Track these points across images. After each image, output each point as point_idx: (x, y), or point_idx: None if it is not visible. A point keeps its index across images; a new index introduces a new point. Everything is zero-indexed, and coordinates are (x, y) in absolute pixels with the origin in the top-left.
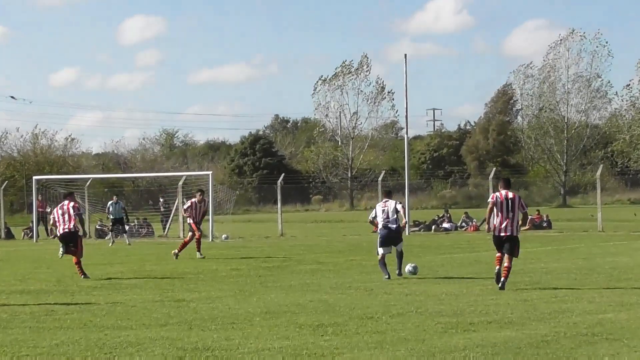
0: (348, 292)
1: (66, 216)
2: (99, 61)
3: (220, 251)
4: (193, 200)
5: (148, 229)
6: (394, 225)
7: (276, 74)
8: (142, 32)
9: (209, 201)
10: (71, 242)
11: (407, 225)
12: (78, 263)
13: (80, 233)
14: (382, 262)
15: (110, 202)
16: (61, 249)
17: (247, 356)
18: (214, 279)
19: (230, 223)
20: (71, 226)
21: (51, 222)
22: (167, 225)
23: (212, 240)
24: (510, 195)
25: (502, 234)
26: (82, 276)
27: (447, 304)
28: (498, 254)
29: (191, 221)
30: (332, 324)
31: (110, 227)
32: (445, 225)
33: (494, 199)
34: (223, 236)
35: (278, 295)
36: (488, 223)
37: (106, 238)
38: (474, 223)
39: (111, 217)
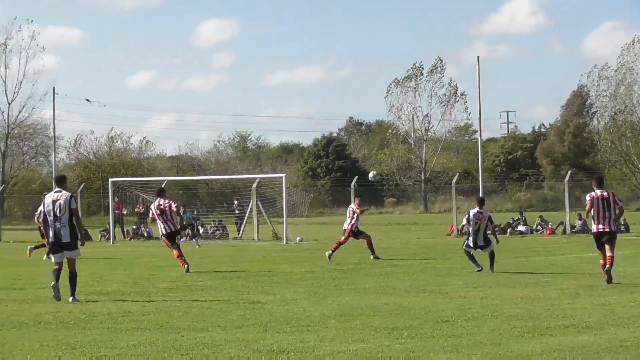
0: (423, 295)
1: (165, 216)
2: (174, 64)
3: (295, 253)
4: None
5: (223, 231)
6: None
7: (350, 76)
8: (217, 35)
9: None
10: (172, 239)
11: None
12: (180, 256)
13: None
14: (471, 254)
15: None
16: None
17: (322, 359)
18: (288, 281)
19: (304, 225)
20: (174, 225)
21: (150, 219)
22: (242, 228)
23: (286, 242)
24: (605, 193)
25: (601, 231)
26: (185, 267)
27: (523, 307)
28: (602, 260)
29: None
30: (407, 327)
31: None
32: (521, 228)
33: (591, 198)
34: (297, 238)
35: (353, 298)
36: (592, 219)
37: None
38: (549, 226)
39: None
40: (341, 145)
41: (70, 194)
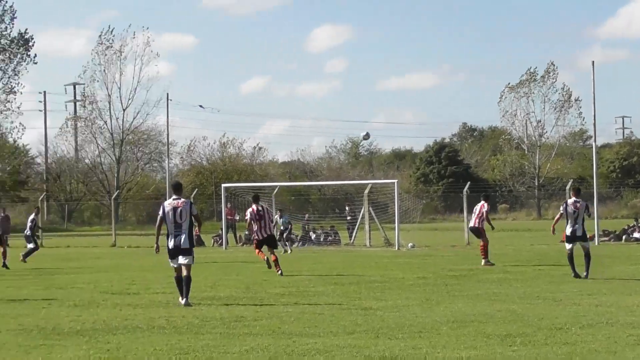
0: (536, 302)
1: (263, 221)
2: (288, 70)
3: (407, 260)
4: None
5: (335, 237)
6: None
7: (463, 82)
8: (330, 41)
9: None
10: (271, 243)
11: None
12: (276, 260)
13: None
14: (570, 258)
15: (276, 216)
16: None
17: None
18: (400, 288)
19: (417, 231)
20: (271, 230)
21: (247, 223)
22: (354, 234)
23: (398, 248)
24: None
25: None
26: (279, 272)
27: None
28: None
29: None
30: (520, 334)
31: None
32: (636, 235)
33: None
34: (409, 244)
35: (465, 305)
36: None
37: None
38: None
39: (282, 227)
40: (453, 151)
41: (190, 201)
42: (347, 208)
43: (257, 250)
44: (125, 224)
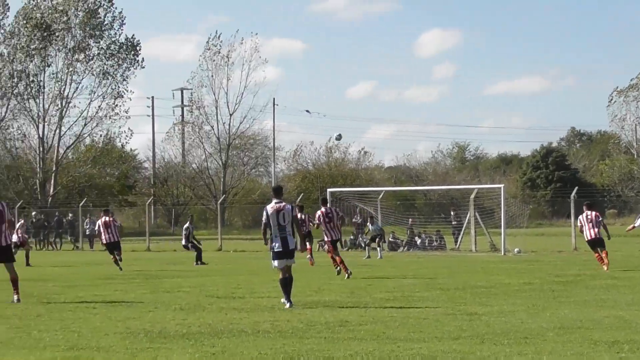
0: None
1: (332, 223)
2: (395, 74)
3: (513, 265)
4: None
5: (440, 242)
6: None
7: (573, 86)
8: (439, 45)
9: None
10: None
11: None
12: (342, 262)
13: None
14: None
15: (367, 223)
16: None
17: None
18: (506, 293)
19: (523, 236)
20: (339, 232)
21: (316, 225)
22: (459, 239)
23: (504, 254)
24: None
25: None
26: (348, 273)
27: None
28: None
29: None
30: (629, 341)
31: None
32: None
33: None
34: (515, 250)
35: (572, 311)
36: None
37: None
38: None
39: (373, 233)
40: (561, 156)
41: (290, 204)
42: (452, 213)
43: (330, 254)
44: (231, 228)
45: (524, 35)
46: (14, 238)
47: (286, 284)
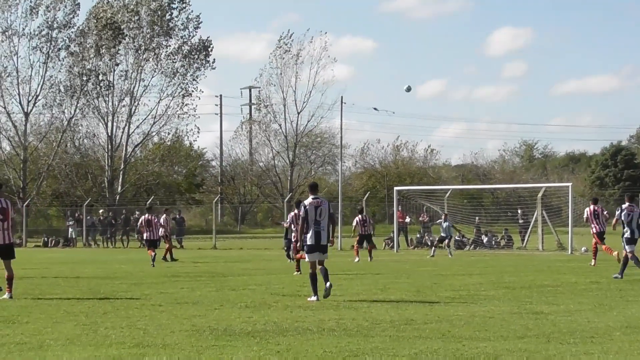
0: None
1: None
2: (465, 73)
3: (580, 264)
4: None
5: (507, 241)
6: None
7: None
8: (509, 44)
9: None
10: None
11: None
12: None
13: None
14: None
15: (439, 220)
16: None
17: None
18: (572, 292)
19: (590, 236)
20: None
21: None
22: (526, 237)
23: (571, 252)
24: None
25: None
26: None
27: None
28: None
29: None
30: None
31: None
32: None
33: None
34: (583, 249)
35: (639, 310)
36: None
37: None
38: None
39: (442, 234)
40: (630, 154)
41: (327, 200)
42: (519, 211)
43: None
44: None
45: (595, 34)
46: (160, 232)
47: (315, 279)
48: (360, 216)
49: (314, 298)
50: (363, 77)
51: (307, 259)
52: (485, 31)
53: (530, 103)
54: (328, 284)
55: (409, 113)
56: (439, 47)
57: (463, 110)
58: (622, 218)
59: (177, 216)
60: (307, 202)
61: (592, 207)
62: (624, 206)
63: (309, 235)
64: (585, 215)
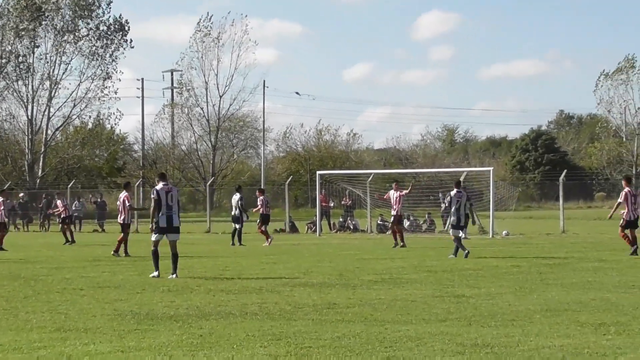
0: (632, 290)
1: None
2: (393, 57)
3: (500, 248)
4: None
5: (430, 225)
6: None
7: (569, 69)
8: (437, 27)
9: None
10: None
11: None
12: None
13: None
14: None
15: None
16: None
17: (526, 353)
18: (494, 276)
19: (512, 219)
20: None
21: None
22: (448, 221)
23: (492, 236)
24: None
25: None
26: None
27: None
28: None
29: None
30: (615, 323)
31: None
32: None
33: None
34: (504, 232)
35: (559, 293)
36: None
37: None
38: None
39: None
40: (550, 139)
41: (176, 187)
42: (440, 195)
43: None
44: (220, 210)
45: (522, 18)
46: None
47: (156, 255)
48: (263, 197)
49: (155, 274)
50: (290, 61)
51: (153, 238)
52: (413, 14)
53: (456, 87)
54: (174, 275)
55: (334, 97)
56: (367, 30)
57: (390, 95)
58: None
59: (99, 200)
60: (158, 187)
61: (626, 189)
62: (452, 193)
63: (161, 219)
64: (621, 199)
